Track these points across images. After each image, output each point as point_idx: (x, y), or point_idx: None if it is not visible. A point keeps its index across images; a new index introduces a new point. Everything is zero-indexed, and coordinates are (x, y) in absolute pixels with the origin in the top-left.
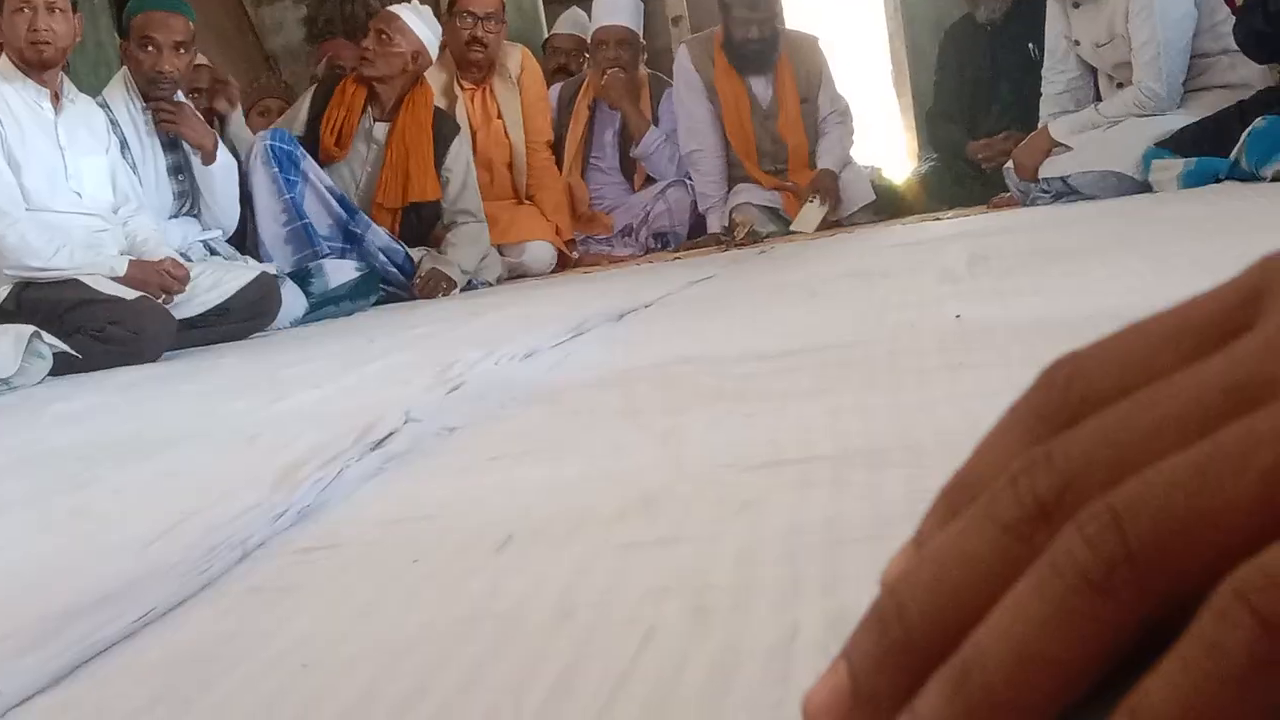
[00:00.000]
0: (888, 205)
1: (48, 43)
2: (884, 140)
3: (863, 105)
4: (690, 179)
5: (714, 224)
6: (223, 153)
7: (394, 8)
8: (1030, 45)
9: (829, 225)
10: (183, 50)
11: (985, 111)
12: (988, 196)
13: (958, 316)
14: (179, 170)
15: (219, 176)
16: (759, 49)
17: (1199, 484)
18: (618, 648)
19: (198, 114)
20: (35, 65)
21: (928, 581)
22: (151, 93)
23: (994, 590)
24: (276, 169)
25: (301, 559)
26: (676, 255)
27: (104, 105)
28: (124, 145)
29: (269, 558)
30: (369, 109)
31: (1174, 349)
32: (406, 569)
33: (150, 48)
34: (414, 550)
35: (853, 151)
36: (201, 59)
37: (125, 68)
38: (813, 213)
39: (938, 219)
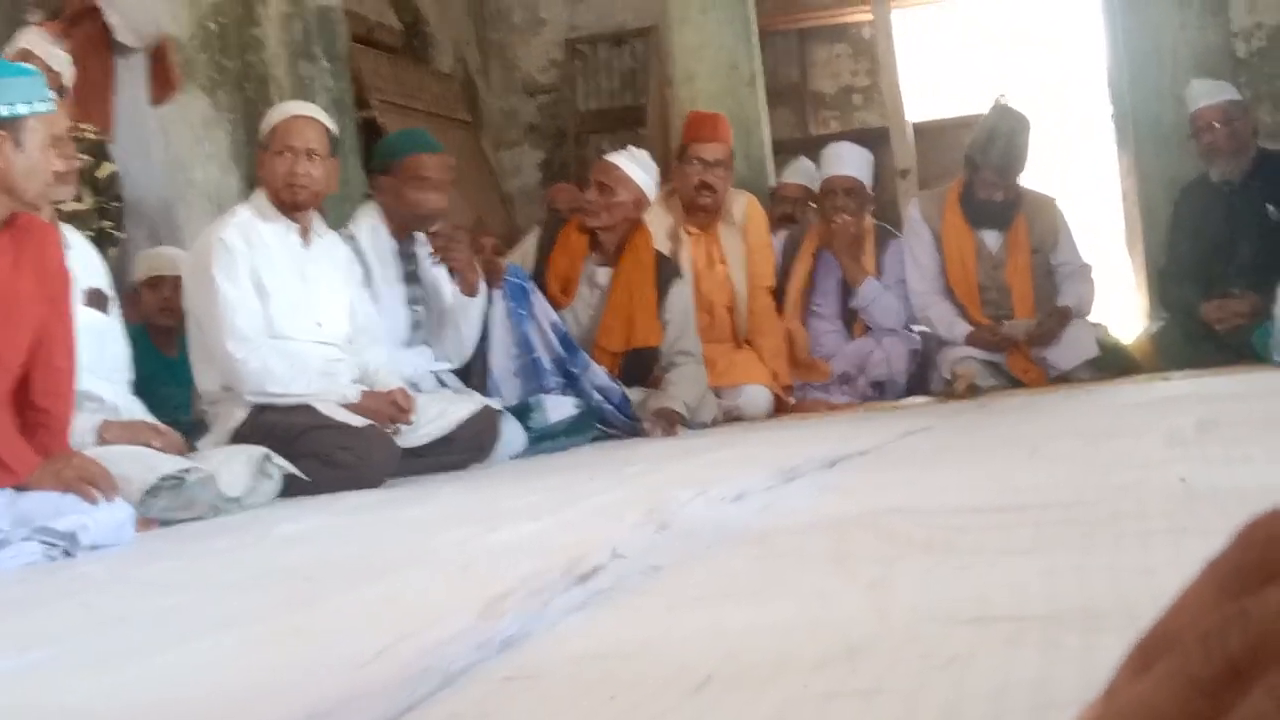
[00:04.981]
0: (1115, 364)
1: (304, 187)
2: (1115, 299)
3: (1094, 264)
4: (912, 329)
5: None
6: (480, 286)
7: (612, 157)
8: (1269, 206)
9: (1055, 381)
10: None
11: (1220, 272)
12: (1221, 358)
13: (1182, 480)
14: (415, 302)
15: (475, 308)
16: (999, 208)
17: None
18: None
19: (466, 244)
20: (290, 207)
21: None
22: (423, 228)
23: None
24: (511, 303)
25: (502, 688)
26: (895, 405)
27: (351, 238)
28: (367, 275)
29: (472, 685)
30: (591, 253)
31: None
32: (604, 704)
33: (425, 188)
34: (612, 686)
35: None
36: None
37: (376, 200)
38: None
39: (1166, 379)
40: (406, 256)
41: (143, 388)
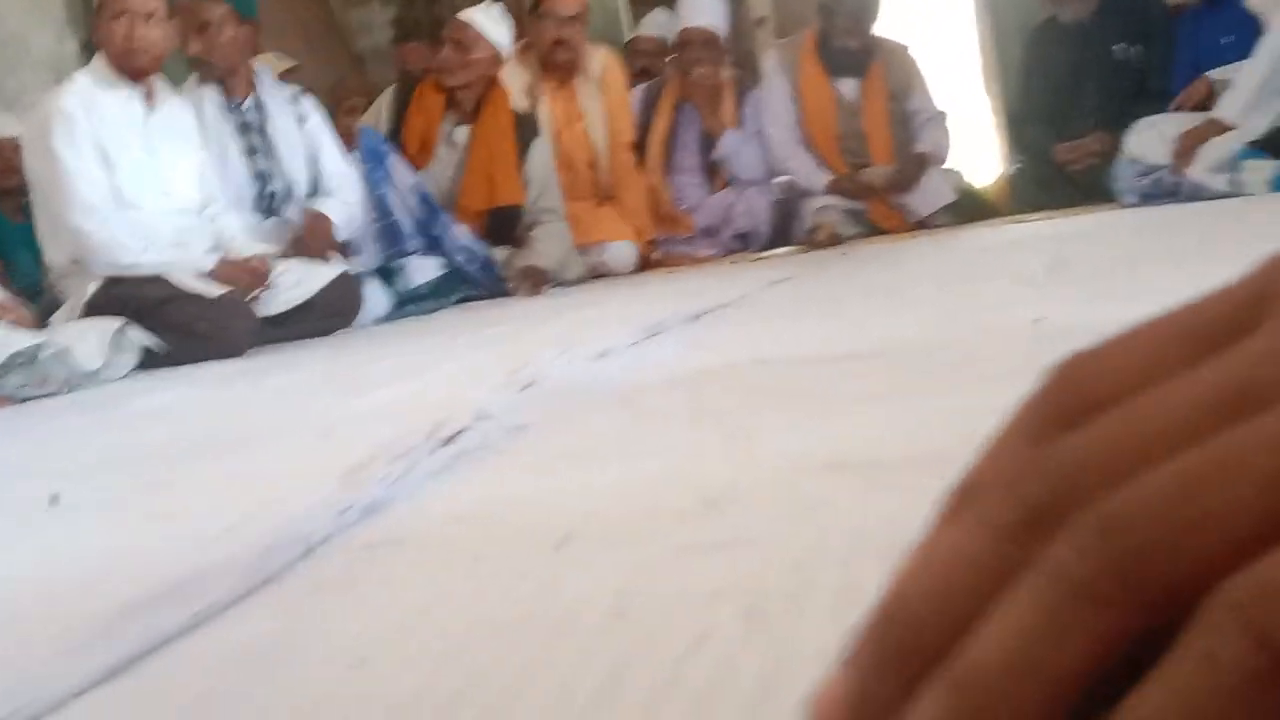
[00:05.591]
0: (972, 208)
1: (144, 51)
2: (972, 144)
3: (949, 110)
4: (773, 180)
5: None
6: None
7: (465, 15)
8: (1115, 46)
9: (914, 227)
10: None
11: (1072, 113)
12: (1075, 200)
13: (1035, 320)
14: (254, 152)
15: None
16: (855, 56)
17: (1192, 491)
18: (669, 650)
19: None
20: (131, 73)
21: (924, 585)
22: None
23: (988, 596)
24: (367, 166)
25: (364, 555)
26: (758, 256)
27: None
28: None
29: (334, 553)
30: (448, 112)
31: (1181, 350)
32: (468, 567)
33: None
34: (476, 548)
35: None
36: (289, 62)
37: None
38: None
39: (1022, 222)
40: (237, 110)
41: None
